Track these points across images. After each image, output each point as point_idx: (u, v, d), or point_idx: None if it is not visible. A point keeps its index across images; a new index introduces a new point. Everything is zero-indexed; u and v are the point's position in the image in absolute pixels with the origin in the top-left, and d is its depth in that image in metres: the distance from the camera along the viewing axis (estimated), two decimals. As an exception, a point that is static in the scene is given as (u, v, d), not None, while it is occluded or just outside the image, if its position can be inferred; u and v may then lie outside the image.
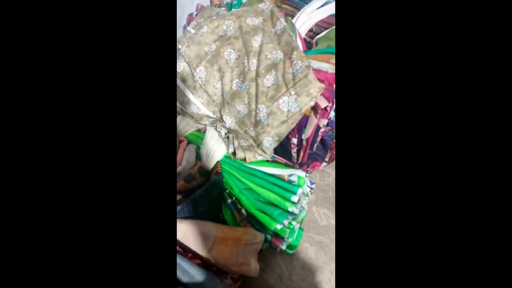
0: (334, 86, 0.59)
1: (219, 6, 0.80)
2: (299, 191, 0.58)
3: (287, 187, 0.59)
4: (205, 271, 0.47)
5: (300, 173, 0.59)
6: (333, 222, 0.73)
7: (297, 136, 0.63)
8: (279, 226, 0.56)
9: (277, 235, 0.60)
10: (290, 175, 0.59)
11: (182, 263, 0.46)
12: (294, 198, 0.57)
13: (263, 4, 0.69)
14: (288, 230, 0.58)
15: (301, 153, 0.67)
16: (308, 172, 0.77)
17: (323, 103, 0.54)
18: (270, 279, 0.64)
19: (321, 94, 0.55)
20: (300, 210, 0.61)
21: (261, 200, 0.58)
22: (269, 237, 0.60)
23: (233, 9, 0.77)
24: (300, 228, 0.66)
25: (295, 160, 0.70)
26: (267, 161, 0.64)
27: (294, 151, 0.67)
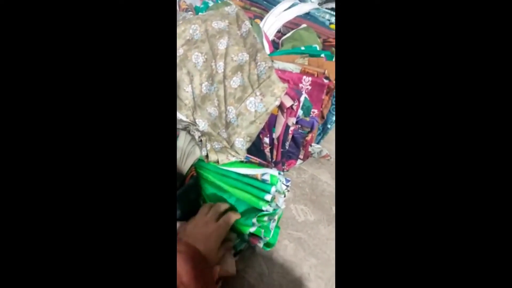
0: (300, 85, 0.61)
1: (187, 10, 0.80)
2: (273, 189, 0.59)
3: (261, 186, 0.60)
4: None
5: (273, 171, 0.60)
6: (310, 218, 0.74)
7: (268, 135, 0.64)
8: (252, 229, 0.56)
9: (253, 234, 0.60)
10: (263, 174, 0.60)
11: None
12: (268, 197, 0.58)
13: (228, 7, 0.70)
14: (263, 230, 0.59)
15: (274, 152, 0.68)
16: (285, 170, 0.78)
17: (288, 102, 0.55)
18: (250, 279, 0.64)
19: (286, 94, 0.56)
20: (274, 209, 0.62)
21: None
22: (246, 236, 0.60)
23: (199, 13, 0.77)
24: (277, 227, 0.67)
25: (270, 159, 0.71)
26: (241, 162, 0.65)
27: (267, 150, 0.68)
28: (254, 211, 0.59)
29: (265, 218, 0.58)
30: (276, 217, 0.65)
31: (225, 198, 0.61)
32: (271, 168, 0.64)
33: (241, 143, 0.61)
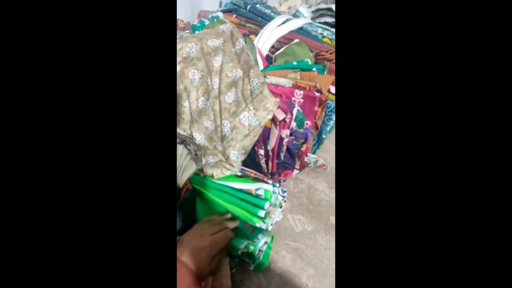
0: (292, 99, 0.63)
1: (184, 29, 0.83)
2: (266, 204, 0.60)
3: (255, 202, 0.61)
4: None
5: (267, 186, 0.61)
6: (308, 228, 0.75)
7: (263, 147, 0.66)
8: (239, 252, 0.58)
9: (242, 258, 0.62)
10: (257, 189, 0.61)
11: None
12: (261, 213, 0.59)
13: (223, 25, 0.73)
14: (250, 260, 0.60)
15: (270, 164, 0.69)
16: (281, 180, 0.79)
17: (281, 116, 0.57)
18: (248, 291, 0.65)
19: (279, 107, 0.58)
20: (267, 226, 0.63)
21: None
22: (236, 259, 0.61)
23: (196, 31, 0.81)
24: (269, 247, 0.67)
25: (266, 170, 0.73)
26: (236, 175, 0.67)
27: (262, 161, 0.70)
28: (245, 232, 0.60)
29: (252, 247, 0.59)
30: (267, 240, 0.66)
31: (219, 213, 0.62)
32: (267, 181, 0.65)
33: (236, 155, 0.63)
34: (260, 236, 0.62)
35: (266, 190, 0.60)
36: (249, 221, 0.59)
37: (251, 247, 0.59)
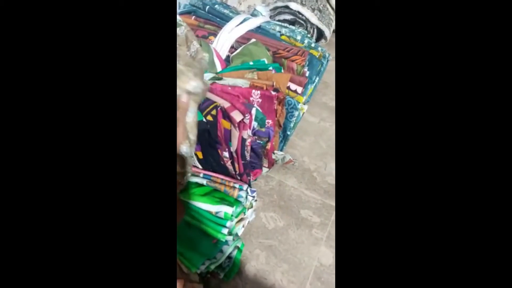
0: (250, 99, 0.63)
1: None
2: (228, 223, 0.62)
3: (217, 221, 0.62)
4: None
5: (227, 209, 0.62)
6: (280, 224, 0.76)
7: (226, 149, 0.66)
8: (198, 271, 0.59)
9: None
10: (217, 212, 0.63)
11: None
12: (225, 231, 0.61)
13: (178, 29, 0.71)
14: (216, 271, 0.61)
15: (236, 165, 0.70)
16: (252, 180, 0.80)
17: (239, 117, 0.57)
18: (225, 293, 0.65)
19: (236, 109, 0.59)
20: (233, 239, 0.65)
21: (184, 240, 0.61)
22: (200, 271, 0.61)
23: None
24: (239, 250, 0.68)
25: (233, 172, 0.73)
26: (200, 195, 0.66)
27: (228, 164, 0.70)
28: (207, 247, 0.61)
29: (212, 266, 0.60)
30: (238, 244, 0.67)
31: (183, 228, 0.63)
32: (225, 204, 0.65)
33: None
34: (224, 247, 0.63)
35: (225, 213, 0.62)
36: (216, 236, 0.61)
37: (212, 266, 0.60)
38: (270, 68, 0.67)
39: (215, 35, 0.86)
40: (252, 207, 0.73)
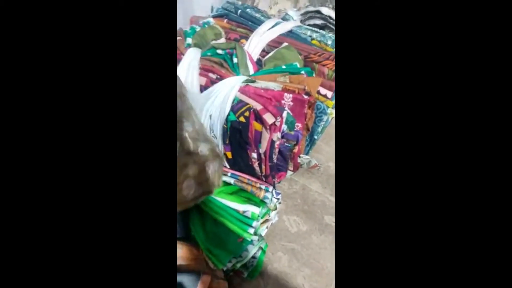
0: (282, 102, 0.64)
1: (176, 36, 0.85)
2: (255, 223, 0.62)
3: (243, 220, 0.63)
4: None
5: (254, 209, 0.63)
6: (303, 228, 0.76)
7: (255, 151, 0.67)
8: (224, 268, 0.60)
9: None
10: (244, 211, 0.63)
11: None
12: (251, 230, 0.62)
13: (179, 100, 0.72)
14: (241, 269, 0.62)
15: (263, 166, 0.71)
16: (276, 182, 0.80)
17: (271, 120, 0.58)
18: (246, 292, 0.66)
19: (268, 111, 0.60)
20: (258, 240, 0.66)
21: (212, 236, 0.62)
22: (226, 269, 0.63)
23: (187, 38, 0.82)
24: (263, 251, 0.69)
25: (260, 173, 0.74)
26: (227, 192, 0.67)
27: (256, 165, 0.71)
28: (234, 245, 0.62)
29: (238, 265, 0.61)
30: (262, 245, 0.68)
31: (210, 225, 0.65)
32: (258, 195, 0.66)
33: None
34: (250, 247, 0.64)
35: (252, 213, 0.62)
36: (241, 235, 0.62)
37: (238, 265, 0.61)
38: (302, 72, 0.68)
39: (246, 38, 0.88)
40: (276, 209, 0.73)
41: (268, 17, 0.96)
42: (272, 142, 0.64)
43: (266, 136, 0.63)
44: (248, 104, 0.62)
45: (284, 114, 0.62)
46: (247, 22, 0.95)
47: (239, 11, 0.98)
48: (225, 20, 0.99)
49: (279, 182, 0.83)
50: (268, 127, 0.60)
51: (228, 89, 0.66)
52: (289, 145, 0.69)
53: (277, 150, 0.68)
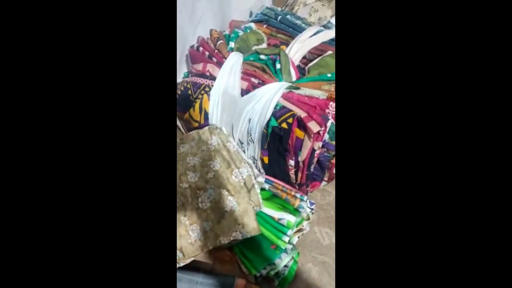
0: (326, 111, 0.63)
1: (218, 39, 0.86)
2: (289, 232, 0.62)
3: (278, 227, 0.63)
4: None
5: (290, 217, 0.62)
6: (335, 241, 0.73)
7: (293, 158, 0.66)
8: (258, 274, 0.59)
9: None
10: (280, 219, 0.63)
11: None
12: (285, 239, 0.61)
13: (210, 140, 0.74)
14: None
15: (299, 174, 0.69)
16: (309, 191, 0.79)
17: (315, 128, 0.57)
18: (274, 302, 0.64)
19: (313, 119, 0.59)
20: (291, 249, 0.65)
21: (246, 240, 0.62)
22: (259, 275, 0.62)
23: (230, 42, 0.83)
24: (295, 262, 0.67)
25: (294, 181, 0.73)
26: (264, 189, 0.67)
27: (292, 172, 0.70)
28: (268, 252, 0.62)
29: (272, 272, 0.61)
30: (294, 255, 0.66)
31: None
32: (293, 204, 0.66)
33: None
34: (283, 255, 0.63)
35: (288, 221, 0.62)
36: (275, 242, 0.62)
37: (272, 272, 0.61)
38: (348, 81, 0.66)
39: (287, 44, 0.88)
40: (309, 219, 0.72)
41: (309, 24, 0.95)
42: (313, 151, 0.63)
43: (307, 144, 0.62)
44: (292, 111, 0.61)
45: (329, 124, 0.60)
46: (288, 29, 0.95)
47: (279, 17, 0.98)
48: (265, 25, 0.99)
49: (311, 192, 0.82)
50: (312, 135, 0.59)
51: (271, 94, 0.66)
52: (329, 155, 0.68)
53: (316, 159, 0.66)
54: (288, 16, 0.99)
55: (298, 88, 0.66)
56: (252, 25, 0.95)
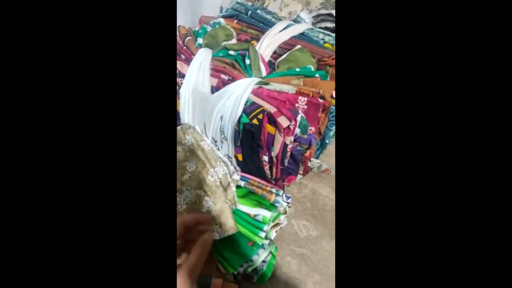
0: (296, 105, 0.63)
1: (186, 35, 0.84)
2: (266, 227, 0.62)
3: (254, 223, 0.63)
4: None
5: (266, 213, 0.63)
6: (313, 233, 0.75)
7: (267, 154, 0.66)
8: (235, 273, 0.59)
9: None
10: (256, 215, 0.63)
11: None
12: (262, 234, 0.61)
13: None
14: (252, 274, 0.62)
15: (274, 169, 0.70)
16: (285, 186, 0.79)
17: (285, 123, 0.57)
18: (254, 298, 0.65)
19: (283, 114, 0.59)
20: (269, 244, 0.65)
21: (222, 240, 0.62)
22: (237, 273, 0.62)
23: (198, 38, 0.81)
24: (273, 256, 0.68)
25: (270, 176, 0.73)
26: (239, 187, 0.67)
27: (266, 168, 0.70)
28: (245, 249, 0.62)
29: (250, 269, 0.61)
30: (272, 249, 0.67)
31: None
32: (269, 199, 0.66)
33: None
34: (260, 251, 0.63)
35: (264, 217, 0.62)
36: (252, 239, 0.62)
37: (249, 269, 0.61)
38: (317, 75, 0.67)
39: (257, 39, 0.87)
40: (286, 213, 0.73)
41: (279, 19, 0.95)
42: (285, 146, 0.63)
43: (279, 139, 0.62)
44: (262, 106, 0.61)
45: (298, 118, 0.61)
46: (258, 24, 0.94)
47: (250, 12, 0.97)
48: (235, 20, 0.98)
49: (288, 186, 0.82)
50: (282, 130, 0.59)
51: (241, 90, 0.65)
52: (301, 149, 0.69)
53: (289, 153, 0.67)
54: (258, 11, 0.98)
55: (267, 84, 0.66)
56: (221, 20, 0.93)
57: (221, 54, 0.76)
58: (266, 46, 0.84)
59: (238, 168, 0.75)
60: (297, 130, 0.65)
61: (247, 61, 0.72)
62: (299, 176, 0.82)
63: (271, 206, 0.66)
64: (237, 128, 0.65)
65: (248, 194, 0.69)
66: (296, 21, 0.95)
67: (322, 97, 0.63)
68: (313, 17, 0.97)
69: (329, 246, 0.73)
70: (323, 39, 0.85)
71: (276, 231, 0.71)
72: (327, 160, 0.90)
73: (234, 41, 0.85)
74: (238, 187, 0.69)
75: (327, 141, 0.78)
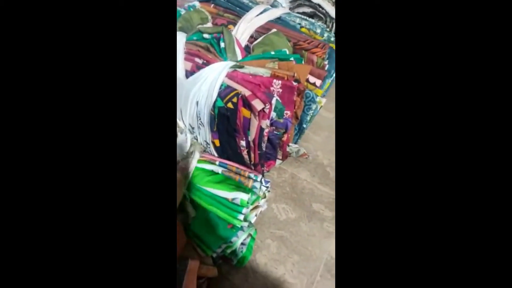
0: (271, 88, 0.63)
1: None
2: (244, 210, 0.62)
3: (233, 207, 0.63)
4: None
5: (243, 196, 0.63)
6: (292, 216, 0.76)
7: (244, 138, 0.66)
8: (214, 255, 0.60)
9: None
10: (233, 199, 0.63)
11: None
12: (240, 217, 0.62)
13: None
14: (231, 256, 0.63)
15: (252, 155, 0.70)
16: (265, 171, 0.80)
17: (259, 106, 0.57)
18: (235, 280, 0.66)
19: (257, 97, 0.58)
20: (248, 226, 0.66)
21: (200, 224, 0.62)
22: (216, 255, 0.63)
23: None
24: (252, 238, 0.69)
25: (249, 162, 0.73)
26: (216, 181, 0.66)
27: (245, 153, 0.70)
28: (224, 231, 0.62)
29: (229, 250, 0.62)
30: (251, 232, 0.68)
31: (199, 213, 0.64)
32: (247, 182, 0.66)
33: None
34: (239, 233, 0.64)
35: (241, 200, 0.62)
36: (231, 222, 0.62)
37: (228, 250, 0.61)
38: (291, 58, 0.67)
39: (234, 24, 0.85)
40: (265, 197, 0.73)
41: (256, 3, 0.93)
42: (261, 130, 0.63)
43: (254, 123, 0.62)
44: (236, 90, 0.60)
45: (273, 101, 0.61)
46: (235, 8, 0.92)
47: (227, -4, 0.95)
48: (212, 4, 0.95)
49: (268, 171, 0.83)
50: (256, 113, 0.59)
51: (216, 74, 0.64)
52: (278, 133, 0.69)
53: (266, 138, 0.67)
54: (235, -5, 0.95)
55: (242, 67, 0.65)
56: (196, 3, 0.90)
57: (195, 38, 0.74)
58: (243, 30, 0.82)
59: (216, 154, 0.74)
60: (273, 114, 0.65)
61: (222, 44, 0.70)
62: (278, 161, 0.83)
63: (250, 191, 0.67)
64: (212, 113, 0.65)
65: (225, 180, 0.69)
66: (273, 5, 0.94)
67: (297, 80, 0.63)
68: (290, 1, 0.96)
69: (307, 228, 0.74)
70: (299, 24, 0.84)
71: (256, 215, 0.72)
72: (305, 144, 0.91)
73: (209, 24, 0.83)
74: (215, 173, 0.69)
75: (304, 126, 0.79)
